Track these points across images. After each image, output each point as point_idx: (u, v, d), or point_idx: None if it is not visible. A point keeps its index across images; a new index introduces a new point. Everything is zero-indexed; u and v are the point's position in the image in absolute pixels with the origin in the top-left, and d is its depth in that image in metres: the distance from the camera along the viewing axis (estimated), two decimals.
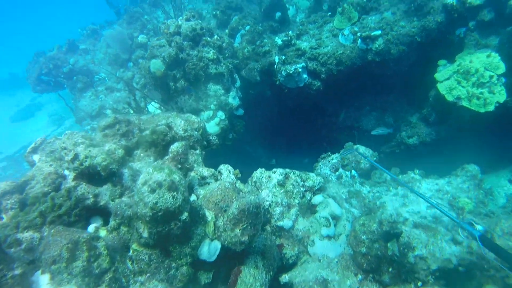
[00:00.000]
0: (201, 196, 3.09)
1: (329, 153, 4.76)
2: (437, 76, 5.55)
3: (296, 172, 3.66)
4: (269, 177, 3.48)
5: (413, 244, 3.19)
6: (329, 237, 3.34)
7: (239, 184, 3.65)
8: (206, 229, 2.79)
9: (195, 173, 3.34)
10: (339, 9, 6.03)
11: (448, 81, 5.47)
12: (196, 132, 3.94)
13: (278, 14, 6.68)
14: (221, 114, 4.84)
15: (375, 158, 4.57)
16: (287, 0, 8.04)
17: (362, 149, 4.61)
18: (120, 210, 2.81)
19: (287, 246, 3.30)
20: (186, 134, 3.77)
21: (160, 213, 2.40)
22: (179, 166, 3.22)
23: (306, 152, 8.31)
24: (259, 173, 3.61)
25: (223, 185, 3.04)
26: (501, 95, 5.21)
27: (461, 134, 6.09)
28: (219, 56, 4.99)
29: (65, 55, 9.64)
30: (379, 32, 5.39)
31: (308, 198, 3.55)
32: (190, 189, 3.24)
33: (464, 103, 5.29)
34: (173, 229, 2.52)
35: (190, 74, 4.67)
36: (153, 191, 2.40)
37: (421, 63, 5.87)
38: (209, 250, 2.74)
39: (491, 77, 5.27)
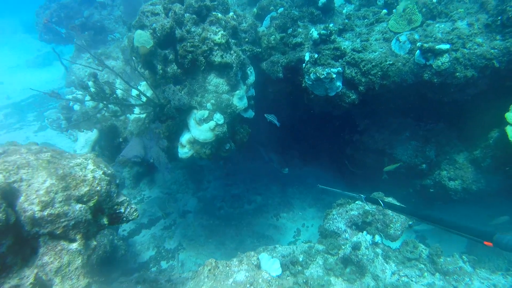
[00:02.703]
0: None
1: (348, 200, 3.69)
2: (509, 116, 4.29)
3: None
4: None
5: None
6: None
7: None
8: None
9: None
10: (399, 7, 4.74)
11: None
12: (80, 207, 2.18)
13: (322, 0, 5.44)
14: (218, 118, 3.75)
15: (410, 222, 3.47)
16: None
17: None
18: None
19: None
20: (49, 213, 2.04)
21: None
22: None
23: (323, 166, 7.25)
24: None
25: None
26: None
27: None
28: (230, 41, 3.82)
29: (80, 6, 8.72)
30: (447, 46, 4.12)
31: None
32: None
33: None
34: None
35: (186, 58, 3.53)
36: None
37: (489, 94, 4.58)
38: None
39: None
